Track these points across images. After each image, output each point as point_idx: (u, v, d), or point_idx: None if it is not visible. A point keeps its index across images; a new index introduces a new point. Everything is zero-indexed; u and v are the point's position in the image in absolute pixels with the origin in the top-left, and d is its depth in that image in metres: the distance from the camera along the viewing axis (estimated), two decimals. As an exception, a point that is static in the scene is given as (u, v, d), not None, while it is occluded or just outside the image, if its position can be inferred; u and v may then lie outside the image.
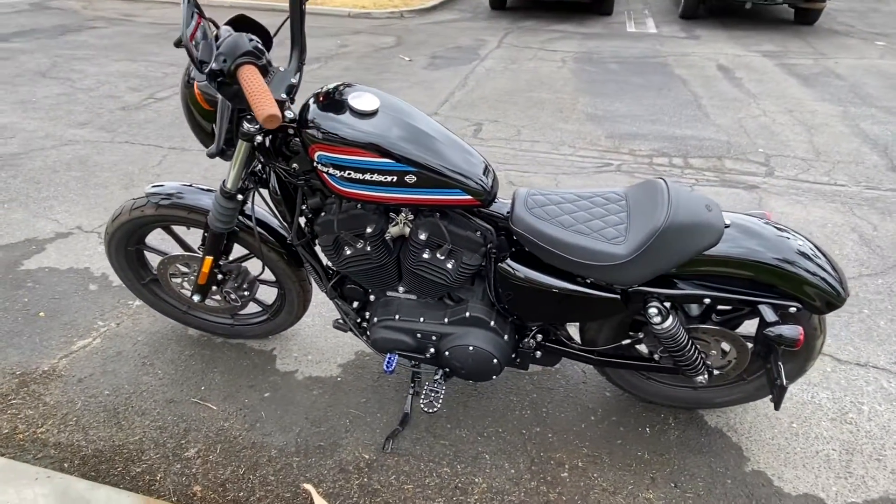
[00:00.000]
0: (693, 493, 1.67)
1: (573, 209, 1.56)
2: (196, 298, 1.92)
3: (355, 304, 1.86)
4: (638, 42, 7.08)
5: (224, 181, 1.61)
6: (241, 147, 1.53)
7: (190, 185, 1.86)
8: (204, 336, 2.25)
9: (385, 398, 1.97)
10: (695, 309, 1.69)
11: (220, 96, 1.27)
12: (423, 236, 1.60)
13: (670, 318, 1.52)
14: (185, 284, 2.00)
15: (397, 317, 1.75)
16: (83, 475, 1.69)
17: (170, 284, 2.02)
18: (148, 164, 3.63)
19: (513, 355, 1.76)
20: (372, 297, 1.83)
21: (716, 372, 1.70)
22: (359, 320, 1.86)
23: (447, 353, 1.71)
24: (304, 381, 2.05)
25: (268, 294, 2.30)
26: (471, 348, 1.67)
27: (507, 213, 1.58)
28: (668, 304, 1.55)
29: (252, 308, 2.18)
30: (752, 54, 6.36)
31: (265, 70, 1.30)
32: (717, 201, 3.23)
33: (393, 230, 1.64)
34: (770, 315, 1.46)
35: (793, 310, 1.47)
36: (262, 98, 1.16)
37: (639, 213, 1.50)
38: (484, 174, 1.53)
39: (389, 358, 1.77)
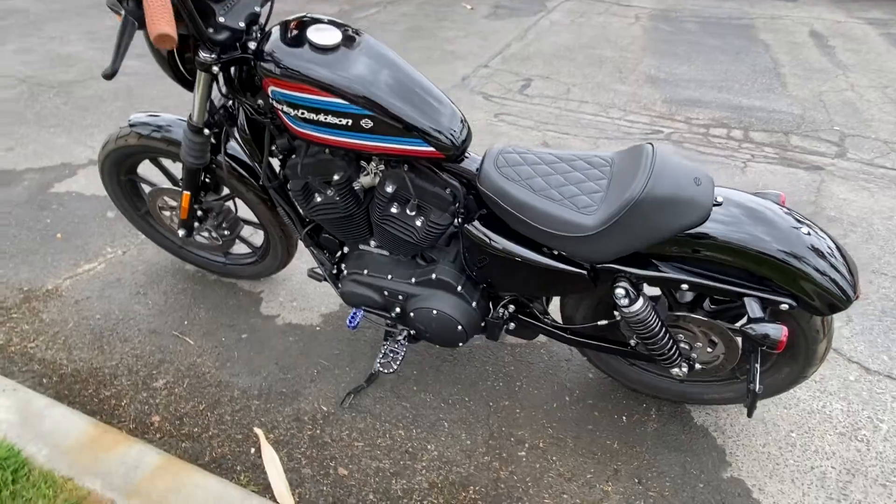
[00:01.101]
0: (657, 492, 1.53)
1: (548, 171, 1.41)
2: (181, 233, 1.92)
3: (338, 254, 1.80)
4: (726, 1, 6.45)
5: (190, 114, 1.57)
6: (200, 77, 1.47)
7: (182, 119, 1.83)
8: (199, 272, 2.27)
9: (358, 353, 1.92)
10: (688, 295, 1.52)
11: (122, 11, 1.20)
12: (389, 189, 1.50)
13: (640, 301, 1.36)
14: (174, 218, 2.01)
15: (366, 272, 1.68)
16: (57, 392, 1.76)
17: (161, 217, 2.03)
18: (186, 98, 3.69)
19: (482, 324, 1.65)
20: (346, 249, 1.77)
21: (699, 366, 1.53)
22: (334, 271, 1.80)
23: (412, 314, 1.63)
24: (283, 326, 2.03)
25: (260, 237, 2.28)
26: (434, 312, 1.58)
27: (477, 170, 1.45)
28: (642, 286, 1.39)
29: (244, 249, 2.17)
30: (854, 21, 5.65)
31: None
32: (771, 181, 2.92)
33: (364, 180, 1.55)
34: (755, 310, 1.27)
35: (785, 307, 1.28)
36: (157, 14, 1.07)
37: (618, 181, 1.34)
38: (453, 125, 1.40)
39: (355, 313, 1.72)
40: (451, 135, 1.39)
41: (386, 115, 1.33)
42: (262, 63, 1.36)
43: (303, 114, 1.37)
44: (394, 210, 1.53)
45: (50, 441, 1.46)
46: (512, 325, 1.69)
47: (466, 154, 1.49)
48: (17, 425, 1.49)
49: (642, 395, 1.78)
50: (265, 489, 1.51)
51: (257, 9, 1.42)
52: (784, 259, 1.25)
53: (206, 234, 1.98)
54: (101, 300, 2.12)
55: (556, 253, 1.41)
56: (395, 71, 1.38)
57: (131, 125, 1.79)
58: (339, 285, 1.75)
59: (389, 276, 1.65)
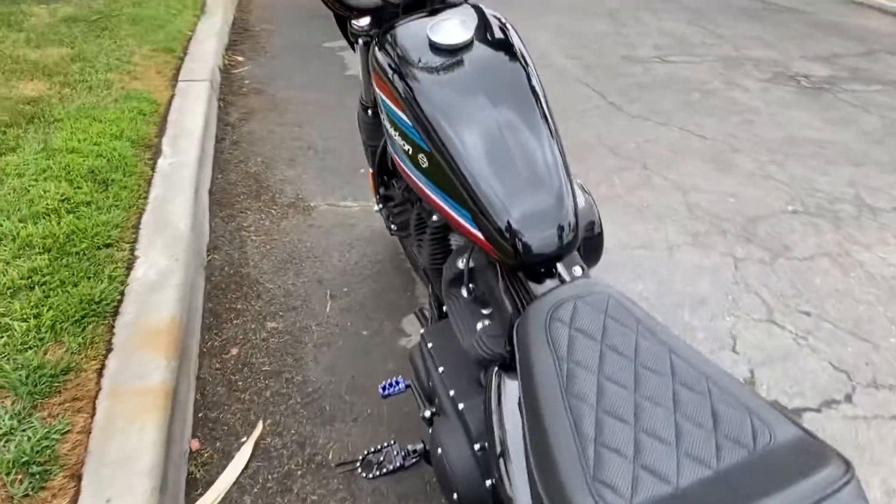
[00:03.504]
0: None
1: (614, 369, 0.73)
2: (375, 208, 1.86)
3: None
4: None
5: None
6: (358, 50, 1.28)
7: None
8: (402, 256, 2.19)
9: (419, 433, 1.54)
10: None
11: None
12: (459, 263, 1.07)
13: None
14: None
15: (431, 345, 1.28)
16: (220, 281, 1.98)
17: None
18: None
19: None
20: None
21: None
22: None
23: (431, 428, 1.18)
24: (399, 349, 1.79)
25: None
26: (439, 451, 1.09)
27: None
28: None
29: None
30: None
31: None
32: None
33: (460, 239, 1.16)
34: None
35: None
36: None
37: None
38: (533, 220, 0.86)
39: (397, 381, 1.35)
40: (518, 230, 0.86)
41: (444, 156, 0.90)
42: (375, 47, 1.09)
43: (385, 120, 1.06)
44: (463, 292, 1.09)
45: (134, 326, 1.63)
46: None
47: (564, 272, 0.92)
48: (148, 284, 1.72)
49: None
50: (206, 484, 1.37)
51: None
52: None
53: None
54: (323, 234, 2.27)
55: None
56: (501, 109, 0.92)
57: None
58: None
59: (441, 369, 1.21)
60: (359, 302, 1.96)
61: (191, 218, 2.05)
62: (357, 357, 1.75)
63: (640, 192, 2.71)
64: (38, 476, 1.15)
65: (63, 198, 1.92)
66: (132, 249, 1.84)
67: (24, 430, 1.22)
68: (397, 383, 1.35)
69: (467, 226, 0.91)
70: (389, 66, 1.02)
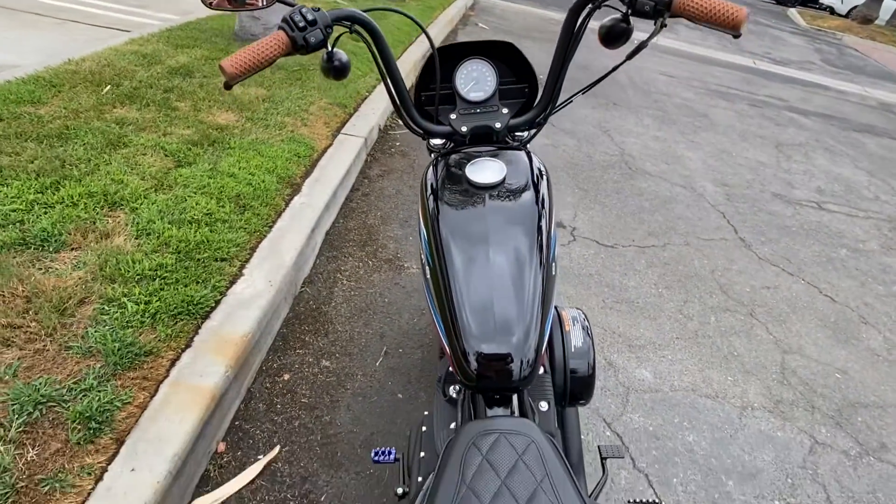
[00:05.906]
0: None
1: None
2: None
3: None
4: None
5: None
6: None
7: None
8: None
9: None
10: None
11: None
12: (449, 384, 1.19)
13: None
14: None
15: (424, 428, 1.39)
16: (302, 310, 2.25)
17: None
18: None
19: None
20: None
21: None
22: None
23: (395, 506, 1.28)
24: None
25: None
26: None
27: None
28: None
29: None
30: None
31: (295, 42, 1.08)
32: None
33: None
34: None
35: None
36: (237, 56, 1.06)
37: None
38: (494, 349, 0.96)
39: (389, 451, 1.46)
40: (478, 359, 0.96)
41: (438, 273, 1.04)
42: (431, 164, 1.26)
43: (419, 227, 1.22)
44: (451, 391, 1.21)
45: (215, 332, 1.93)
46: None
47: (525, 404, 1.01)
48: (241, 300, 2.03)
49: None
50: (216, 484, 1.58)
51: (497, 125, 1.28)
52: None
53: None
54: (404, 295, 2.47)
55: None
56: (500, 248, 1.04)
57: None
58: None
59: (423, 454, 1.32)
60: (407, 365, 2.11)
61: (297, 253, 2.36)
62: (384, 416, 1.89)
63: (734, 340, 2.57)
64: (92, 431, 1.44)
65: (207, 212, 2.34)
66: (241, 268, 2.17)
67: (98, 391, 1.53)
68: (389, 453, 1.46)
69: (443, 339, 1.03)
70: (430, 184, 1.19)
